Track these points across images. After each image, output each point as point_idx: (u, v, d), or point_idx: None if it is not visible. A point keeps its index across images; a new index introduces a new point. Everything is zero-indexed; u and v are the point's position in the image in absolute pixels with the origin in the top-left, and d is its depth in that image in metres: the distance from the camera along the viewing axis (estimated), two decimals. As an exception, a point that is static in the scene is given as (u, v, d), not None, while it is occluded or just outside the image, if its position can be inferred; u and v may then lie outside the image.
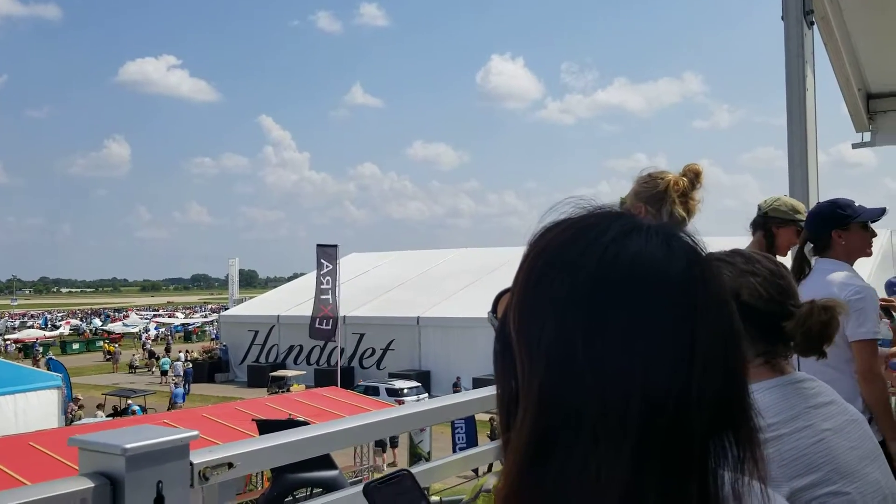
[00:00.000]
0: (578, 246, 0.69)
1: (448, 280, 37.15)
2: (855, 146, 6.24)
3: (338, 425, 1.61)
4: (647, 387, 0.63)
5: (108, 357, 45.81)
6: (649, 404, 0.63)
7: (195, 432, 1.30)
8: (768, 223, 3.55)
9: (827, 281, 2.96)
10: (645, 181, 2.69)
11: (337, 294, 26.64)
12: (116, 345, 49.50)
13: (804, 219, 3.47)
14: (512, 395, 0.71)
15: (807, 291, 2.89)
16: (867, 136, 6.13)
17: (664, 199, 2.65)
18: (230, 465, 1.37)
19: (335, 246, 27.81)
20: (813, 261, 3.15)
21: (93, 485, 1.20)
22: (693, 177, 2.68)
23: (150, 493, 1.23)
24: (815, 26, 4.76)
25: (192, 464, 1.32)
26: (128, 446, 1.21)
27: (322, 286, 26.69)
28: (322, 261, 26.96)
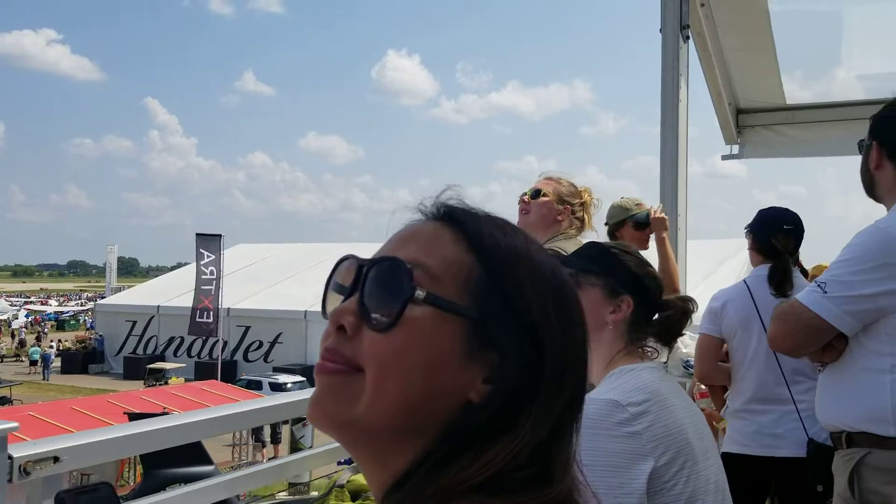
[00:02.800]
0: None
1: (338, 274, 36.66)
2: (724, 158, 6.54)
3: (180, 419, 1.56)
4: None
5: None
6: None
7: (14, 424, 1.22)
8: (610, 231, 3.72)
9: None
10: (571, 189, 2.89)
11: (220, 285, 25.88)
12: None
13: (637, 211, 3.65)
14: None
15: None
16: (735, 149, 6.43)
17: (583, 210, 2.86)
18: (56, 460, 1.30)
19: (219, 235, 26.93)
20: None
21: None
22: (594, 200, 2.97)
23: (-42, 488, 1.15)
24: (690, 41, 4.97)
25: (10, 457, 1.24)
26: (-67, 438, 1.12)
27: (203, 276, 25.85)
28: (202, 250, 26.08)
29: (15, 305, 68.91)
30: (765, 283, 2.89)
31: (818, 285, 1.95)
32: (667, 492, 1.51)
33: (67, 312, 64.40)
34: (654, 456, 1.50)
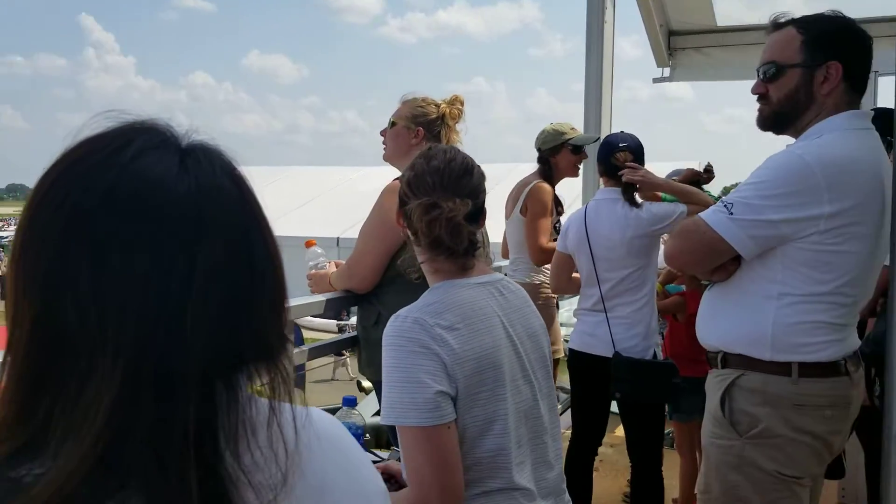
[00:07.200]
0: (90, 162, 0.65)
1: (285, 198, 36.25)
2: (655, 80, 6.52)
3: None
4: (142, 313, 0.62)
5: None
6: (143, 330, 0.62)
7: None
8: (544, 156, 3.74)
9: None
10: (420, 105, 2.73)
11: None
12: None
13: (572, 136, 3.70)
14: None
15: (616, 224, 3.09)
16: (667, 72, 6.41)
17: (440, 126, 2.70)
18: None
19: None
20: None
21: None
22: (460, 109, 2.74)
23: None
24: (617, -40, 4.87)
25: None
26: None
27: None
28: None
29: (-50, 230, 66.82)
30: (600, 207, 3.17)
31: (724, 205, 1.90)
32: (465, 412, 1.53)
33: (5, 238, 62.67)
34: (461, 378, 1.52)
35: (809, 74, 1.95)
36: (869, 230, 1.86)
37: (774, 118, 2.04)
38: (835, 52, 1.93)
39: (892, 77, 1.88)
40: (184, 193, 0.65)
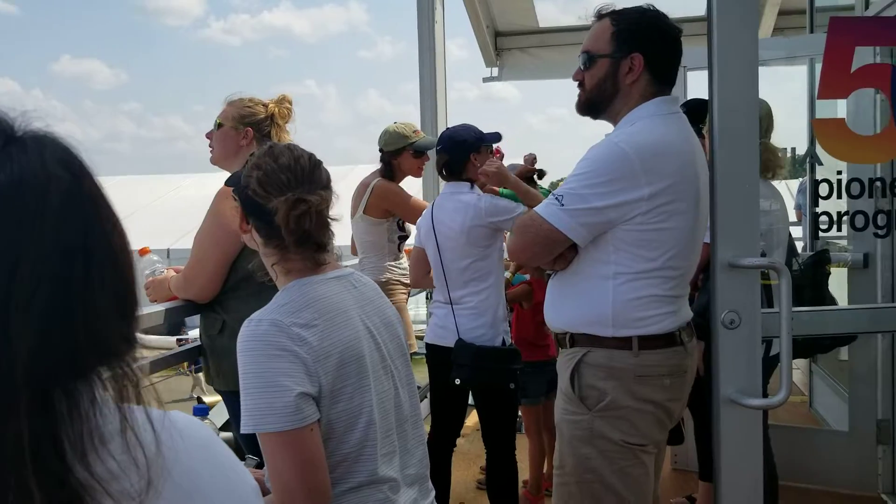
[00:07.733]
0: None
1: (106, 210, 34.06)
2: (486, 80, 6.76)
3: None
4: None
5: None
6: None
7: None
8: (385, 157, 3.77)
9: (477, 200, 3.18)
10: (247, 105, 2.68)
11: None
12: None
13: (415, 139, 3.75)
14: None
15: (457, 213, 3.15)
16: (495, 72, 6.64)
17: (270, 126, 2.66)
18: None
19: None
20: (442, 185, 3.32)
21: None
22: (288, 108, 2.72)
23: None
24: (445, -39, 4.98)
25: None
26: None
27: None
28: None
29: None
30: (444, 200, 3.27)
31: (556, 198, 2.01)
32: (330, 408, 1.53)
33: None
34: (323, 374, 1.51)
35: (616, 65, 2.09)
36: (687, 206, 2.01)
37: (587, 104, 2.19)
38: (638, 45, 2.08)
39: (704, 71, 2.04)
40: (3, 183, 0.60)
